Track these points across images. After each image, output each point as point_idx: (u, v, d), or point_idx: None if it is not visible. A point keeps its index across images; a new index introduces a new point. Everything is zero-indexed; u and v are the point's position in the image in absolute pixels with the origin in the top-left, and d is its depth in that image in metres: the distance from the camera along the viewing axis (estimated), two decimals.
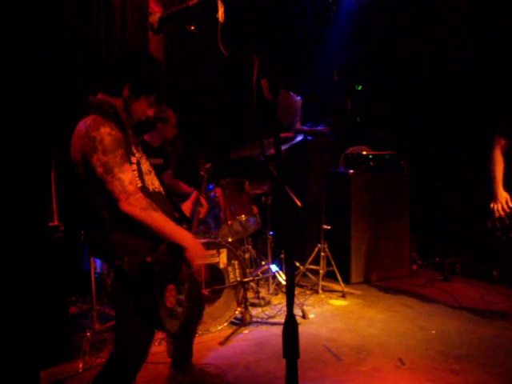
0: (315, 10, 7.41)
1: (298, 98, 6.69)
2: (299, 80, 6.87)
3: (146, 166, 2.83)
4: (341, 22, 7.42)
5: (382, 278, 6.21)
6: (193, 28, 1.78)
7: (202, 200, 3.56)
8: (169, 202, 2.98)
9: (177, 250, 2.70)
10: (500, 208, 4.44)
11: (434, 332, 4.59)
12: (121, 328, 2.82)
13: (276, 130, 1.62)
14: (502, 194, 4.46)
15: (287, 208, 1.76)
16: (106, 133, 2.57)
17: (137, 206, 2.56)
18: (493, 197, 4.51)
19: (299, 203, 5.46)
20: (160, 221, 2.63)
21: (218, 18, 1.67)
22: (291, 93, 6.34)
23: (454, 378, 3.71)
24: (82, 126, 2.61)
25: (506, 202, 4.42)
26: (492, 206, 4.49)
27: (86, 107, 2.73)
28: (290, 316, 1.67)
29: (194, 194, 3.58)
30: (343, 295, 5.62)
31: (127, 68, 2.76)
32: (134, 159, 2.71)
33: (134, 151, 2.75)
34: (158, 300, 2.58)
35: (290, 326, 1.67)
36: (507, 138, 4.53)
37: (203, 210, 3.55)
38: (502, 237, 4.51)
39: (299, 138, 5.27)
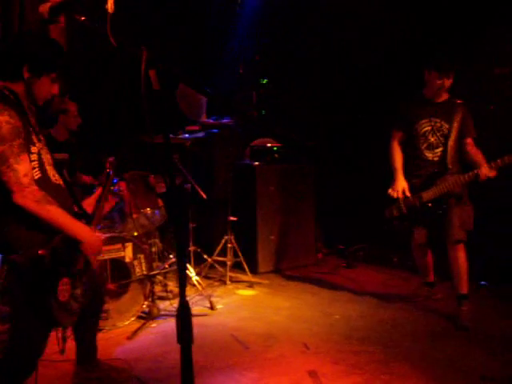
0: (221, 5, 7.45)
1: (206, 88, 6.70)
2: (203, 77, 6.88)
3: (47, 157, 2.77)
4: (246, 17, 7.51)
5: (288, 268, 6.34)
6: (83, 19, 1.76)
7: (109, 196, 3.49)
8: (69, 195, 2.93)
9: (73, 244, 2.67)
10: (396, 194, 4.63)
11: (337, 317, 4.75)
12: (14, 322, 2.75)
13: (166, 121, 1.63)
14: (401, 183, 4.66)
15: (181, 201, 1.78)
16: (4, 121, 2.50)
17: (31, 199, 2.51)
18: (392, 184, 4.70)
19: (204, 195, 5.50)
20: (55, 213, 2.59)
21: (106, 9, 1.66)
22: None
23: (355, 359, 3.86)
24: None
25: (404, 192, 4.62)
26: (389, 192, 4.69)
27: None
28: (183, 302, 1.70)
29: (98, 191, 3.52)
30: (251, 285, 5.70)
31: (23, 49, 2.69)
32: (34, 149, 2.65)
33: (35, 141, 2.69)
34: (50, 293, 2.55)
35: (183, 312, 1.70)
36: (403, 131, 4.74)
37: (108, 206, 3.50)
38: (398, 226, 4.72)
39: (200, 134, 5.30)
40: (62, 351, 3.18)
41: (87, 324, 3.35)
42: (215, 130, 6.61)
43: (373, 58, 6.47)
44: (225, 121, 6.65)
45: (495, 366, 3.69)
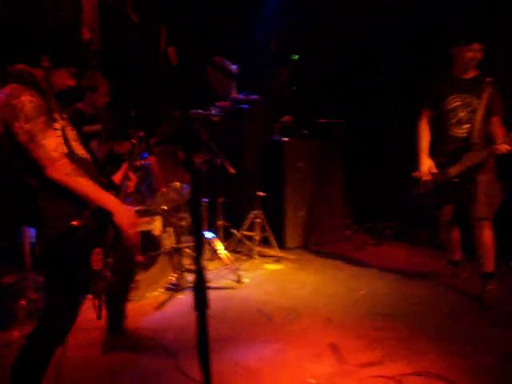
0: None
1: (234, 66, 6.74)
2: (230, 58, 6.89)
3: (72, 132, 2.85)
4: None
5: (316, 243, 6.39)
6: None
7: (131, 174, 3.55)
8: (96, 169, 3.02)
9: (104, 215, 2.77)
10: (423, 174, 4.64)
11: (362, 292, 4.80)
12: (49, 292, 2.87)
13: (185, 97, 1.69)
14: (427, 162, 4.65)
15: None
16: (27, 100, 2.58)
17: (62, 172, 2.60)
18: (418, 165, 4.71)
19: (233, 170, 5.58)
20: (85, 185, 2.68)
21: None
22: (226, 61, 6.38)
23: (377, 334, 3.91)
24: (1, 95, 2.62)
25: (430, 169, 4.62)
26: (417, 173, 4.69)
27: (4, 77, 2.73)
28: (199, 270, 1.78)
29: (125, 166, 3.59)
30: (278, 260, 5.79)
31: (45, 41, 2.78)
32: (57, 125, 2.73)
33: (58, 118, 2.77)
34: (84, 263, 2.65)
35: (199, 280, 1.78)
36: (432, 109, 4.71)
37: (132, 184, 3.57)
38: (426, 202, 4.73)
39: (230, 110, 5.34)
40: (99, 317, 3.32)
41: (118, 294, 3.48)
42: (245, 106, 6.64)
43: (400, 38, 6.42)
44: (254, 97, 6.69)
45: None
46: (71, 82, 2.87)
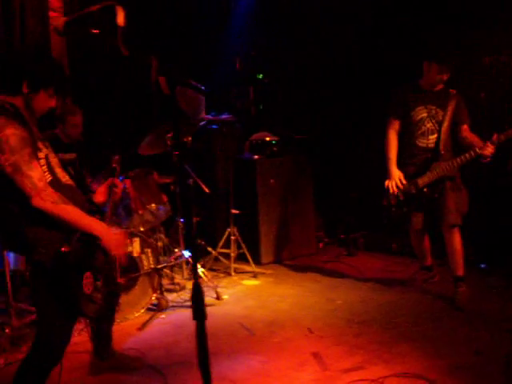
0: (217, 1, 7.58)
1: (202, 87, 6.85)
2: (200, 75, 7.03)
3: (55, 160, 2.93)
4: (241, 12, 7.65)
5: (291, 257, 6.50)
6: (96, 31, 1.94)
7: (117, 181, 3.58)
8: (80, 194, 3.10)
9: (91, 239, 2.84)
10: (394, 185, 4.80)
11: (339, 302, 4.94)
12: (42, 317, 2.93)
13: (176, 121, 1.81)
14: (396, 173, 4.82)
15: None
16: (11, 133, 2.64)
17: (48, 200, 2.67)
18: (387, 175, 4.87)
19: (207, 190, 5.68)
20: (72, 213, 2.75)
21: (117, 23, 1.83)
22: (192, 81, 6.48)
23: (357, 340, 4.06)
24: None
25: (400, 180, 4.78)
26: (386, 184, 4.86)
27: None
28: (196, 283, 1.87)
29: (108, 181, 3.64)
30: (255, 275, 5.88)
31: (23, 66, 2.84)
32: (41, 155, 2.80)
33: (41, 147, 2.84)
34: (75, 287, 2.72)
35: (196, 292, 1.88)
36: (399, 119, 4.89)
37: (118, 190, 3.60)
38: (396, 212, 4.88)
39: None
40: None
41: (105, 315, 3.54)
42: (214, 126, 6.76)
43: (367, 52, 6.62)
44: (223, 116, 6.81)
45: (489, 342, 3.86)
46: (52, 104, 2.93)
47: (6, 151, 2.63)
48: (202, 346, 1.81)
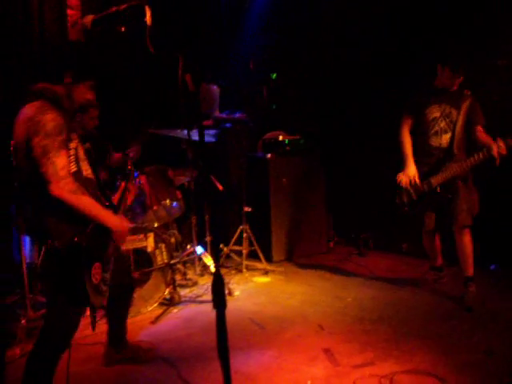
0: (229, 2, 7.65)
1: (215, 87, 6.93)
2: (216, 72, 7.09)
3: (82, 153, 3.04)
4: (255, 12, 7.71)
5: (301, 256, 6.55)
6: (123, 29, 2.02)
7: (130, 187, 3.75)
8: (98, 189, 3.19)
9: (103, 231, 2.94)
10: (407, 181, 4.82)
11: (349, 300, 4.99)
12: (50, 302, 3.02)
13: (200, 119, 1.88)
14: (412, 169, 4.82)
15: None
16: (51, 118, 2.78)
17: (66, 190, 2.77)
18: (403, 171, 4.89)
19: (221, 187, 5.75)
20: (87, 203, 2.87)
21: (146, 22, 1.91)
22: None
23: (367, 337, 4.11)
24: (29, 110, 2.82)
25: (414, 178, 4.80)
26: (399, 178, 4.87)
27: (28, 95, 2.91)
28: (217, 272, 1.94)
29: (122, 186, 3.78)
30: (266, 272, 5.94)
31: (68, 57, 2.98)
32: (72, 145, 2.93)
33: (74, 138, 2.96)
34: (84, 276, 2.81)
35: (217, 281, 1.94)
36: (413, 117, 4.91)
37: (130, 196, 3.75)
38: (408, 212, 4.92)
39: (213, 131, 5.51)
40: (94, 329, 3.45)
41: (119, 308, 3.63)
42: (228, 125, 6.83)
43: (382, 51, 6.64)
44: (237, 115, 6.87)
45: (497, 342, 3.91)
46: (90, 96, 3.06)
47: (40, 134, 2.76)
48: (222, 334, 1.86)
